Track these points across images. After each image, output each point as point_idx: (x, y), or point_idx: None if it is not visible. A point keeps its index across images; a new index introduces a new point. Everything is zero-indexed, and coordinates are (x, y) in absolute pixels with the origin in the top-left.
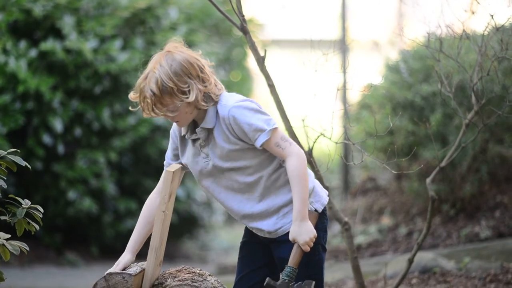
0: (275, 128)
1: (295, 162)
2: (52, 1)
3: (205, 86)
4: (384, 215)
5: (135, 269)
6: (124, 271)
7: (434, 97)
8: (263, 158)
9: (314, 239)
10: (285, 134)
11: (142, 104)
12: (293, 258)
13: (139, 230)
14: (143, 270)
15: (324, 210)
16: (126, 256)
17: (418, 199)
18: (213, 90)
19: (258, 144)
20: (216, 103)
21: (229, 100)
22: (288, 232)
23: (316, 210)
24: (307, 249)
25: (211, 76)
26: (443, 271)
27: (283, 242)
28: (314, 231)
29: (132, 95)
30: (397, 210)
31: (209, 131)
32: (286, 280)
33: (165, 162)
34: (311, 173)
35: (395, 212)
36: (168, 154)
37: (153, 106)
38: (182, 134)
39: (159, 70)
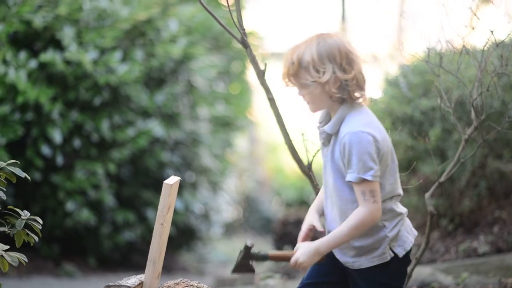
0: (366, 181)
1: (363, 213)
2: (52, 12)
3: (344, 76)
4: None
5: (133, 281)
6: (122, 284)
7: (434, 112)
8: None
9: (302, 268)
10: (377, 190)
11: (283, 70)
12: (278, 254)
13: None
14: (141, 283)
15: (407, 253)
16: (311, 213)
17: (416, 214)
18: (351, 86)
19: (346, 178)
20: (350, 108)
21: (356, 122)
22: (361, 270)
23: (396, 255)
24: (292, 265)
25: (357, 73)
26: (441, 286)
27: (360, 278)
28: (309, 267)
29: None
30: None
31: (329, 135)
32: (256, 254)
33: None
34: (407, 222)
35: None
36: None
37: (288, 75)
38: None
39: (306, 45)
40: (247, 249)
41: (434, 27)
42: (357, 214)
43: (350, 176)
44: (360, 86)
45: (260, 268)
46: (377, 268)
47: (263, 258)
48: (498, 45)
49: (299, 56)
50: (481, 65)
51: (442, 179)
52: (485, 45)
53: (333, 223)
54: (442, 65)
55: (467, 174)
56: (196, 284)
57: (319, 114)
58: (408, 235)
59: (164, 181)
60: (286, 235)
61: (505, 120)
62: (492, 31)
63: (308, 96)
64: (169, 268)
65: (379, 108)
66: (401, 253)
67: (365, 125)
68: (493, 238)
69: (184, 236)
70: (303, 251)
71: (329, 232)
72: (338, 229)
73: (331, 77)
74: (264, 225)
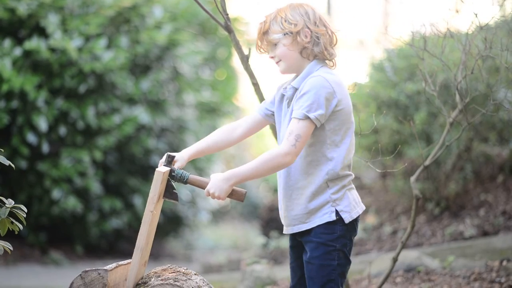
0: (307, 120)
1: (278, 152)
2: (36, 0)
3: (316, 29)
4: (369, 213)
5: (111, 265)
6: (99, 267)
7: (419, 95)
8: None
9: (216, 198)
10: (305, 137)
11: (256, 34)
12: (197, 179)
13: (203, 142)
14: (118, 266)
15: (354, 223)
16: (178, 153)
17: (402, 198)
18: (324, 41)
19: (291, 114)
20: (319, 65)
21: (322, 72)
22: (309, 235)
23: (342, 219)
24: (206, 195)
25: (329, 32)
26: (427, 269)
27: (306, 244)
28: (224, 197)
29: None
30: (381, 208)
31: (294, 93)
32: (174, 174)
33: (257, 107)
34: (355, 193)
35: (379, 211)
36: (263, 104)
37: (260, 34)
38: (282, 88)
39: (280, 9)
40: (170, 162)
41: (418, 11)
42: (272, 151)
43: (296, 113)
44: (333, 45)
45: (247, 254)
46: (320, 229)
47: (182, 179)
48: (482, 28)
49: (271, 16)
50: (465, 48)
51: (428, 162)
52: (469, 28)
53: (281, 197)
54: (426, 48)
55: (453, 158)
56: (183, 270)
57: (286, 85)
58: (356, 204)
59: (157, 169)
60: (273, 220)
61: (490, 103)
62: (476, 14)
63: (279, 51)
64: (156, 255)
65: (364, 92)
66: (347, 219)
67: (329, 77)
68: (479, 221)
69: (171, 223)
70: (213, 181)
71: (280, 207)
72: (250, 162)
73: (303, 29)
74: (251, 211)
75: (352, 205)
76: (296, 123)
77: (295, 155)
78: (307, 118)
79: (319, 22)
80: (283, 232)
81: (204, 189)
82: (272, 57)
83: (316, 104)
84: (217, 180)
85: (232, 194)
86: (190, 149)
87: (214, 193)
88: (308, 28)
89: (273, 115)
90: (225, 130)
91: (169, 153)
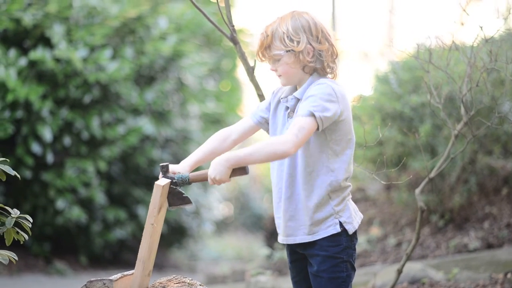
0: (313, 118)
1: (280, 140)
2: (42, 10)
3: (319, 46)
4: (373, 225)
5: (116, 275)
6: (104, 278)
7: (423, 108)
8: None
9: (218, 183)
10: (308, 132)
11: (257, 45)
12: (197, 175)
13: (200, 152)
14: (124, 276)
15: (355, 232)
16: (178, 165)
17: (407, 210)
18: (326, 57)
19: (298, 112)
20: (320, 77)
21: (328, 82)
22: (314, 248)
23: (346, 230)
24: (211, 183)
25: (330, 46)
26: (432, 281)
27: (310, 256)
28: (226, 179)
29: None
30: (386, 220)
31: (296, 104)
32: (175, 180)
33: (251, 112)
34: (353, 203)
35: (384, 223)
36: (257, 110)
37: (262, 48)
38: (280, 97)
39: (281, 20)
40: (165, 172)
41: (423, 23)
42: (275, 138)
43: (301, 112)
44: (334, 58)
45: (251, 265)
46: (325, 241)
47: (185, 181)
48: (487, 40)
49: (273, 29)
50: (470, 61)
51: (432, 174)
52: (474, 41)
53: (284, 207)
54: (431, 61)
55: (457, 170)
56: (188, 281)
57: (282, 90)
58: (355, 214)
59: (156, 182)
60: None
61: (495, 115)
62: (481, 27)
63: (281, 68)
64: (160, 265)
65: (369, 104)
66: (351, 230)
67: (335, 86)
68: (484, 233)
69: (175, 234)
70: (213, 166)
71: (278, 217)
72: (252, 146)
73: (306, 47)
74: (255, 222)
75: (353, 216)
76: (300, 118)
77: (296, 145)
78: (312, 115)
79: (321, 36)
80: (283, 242)
81: (207, 180)
82: (273, 70)
83: (322, 106)
84: (216, 164)
85: (235, 173)
86: (190, 160)
87: (215, 177)
88: (311, 44)
89: (267, 122)
90: (219, 137)
91: (161, 164)
